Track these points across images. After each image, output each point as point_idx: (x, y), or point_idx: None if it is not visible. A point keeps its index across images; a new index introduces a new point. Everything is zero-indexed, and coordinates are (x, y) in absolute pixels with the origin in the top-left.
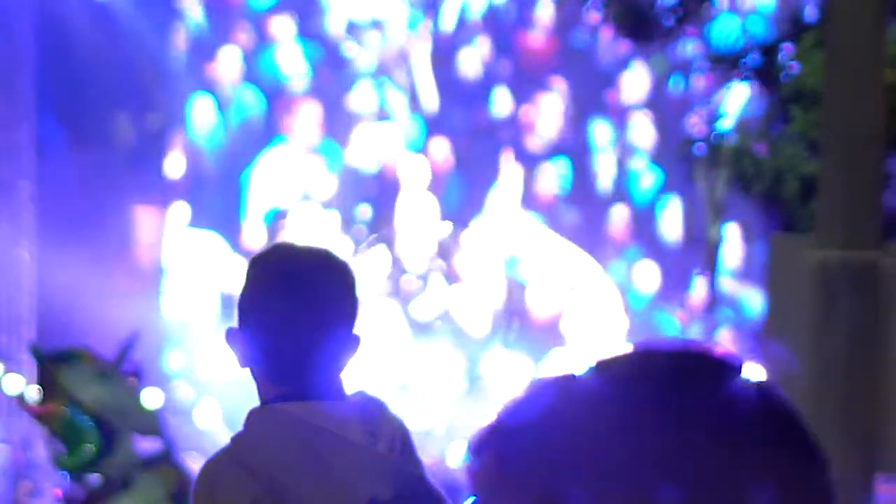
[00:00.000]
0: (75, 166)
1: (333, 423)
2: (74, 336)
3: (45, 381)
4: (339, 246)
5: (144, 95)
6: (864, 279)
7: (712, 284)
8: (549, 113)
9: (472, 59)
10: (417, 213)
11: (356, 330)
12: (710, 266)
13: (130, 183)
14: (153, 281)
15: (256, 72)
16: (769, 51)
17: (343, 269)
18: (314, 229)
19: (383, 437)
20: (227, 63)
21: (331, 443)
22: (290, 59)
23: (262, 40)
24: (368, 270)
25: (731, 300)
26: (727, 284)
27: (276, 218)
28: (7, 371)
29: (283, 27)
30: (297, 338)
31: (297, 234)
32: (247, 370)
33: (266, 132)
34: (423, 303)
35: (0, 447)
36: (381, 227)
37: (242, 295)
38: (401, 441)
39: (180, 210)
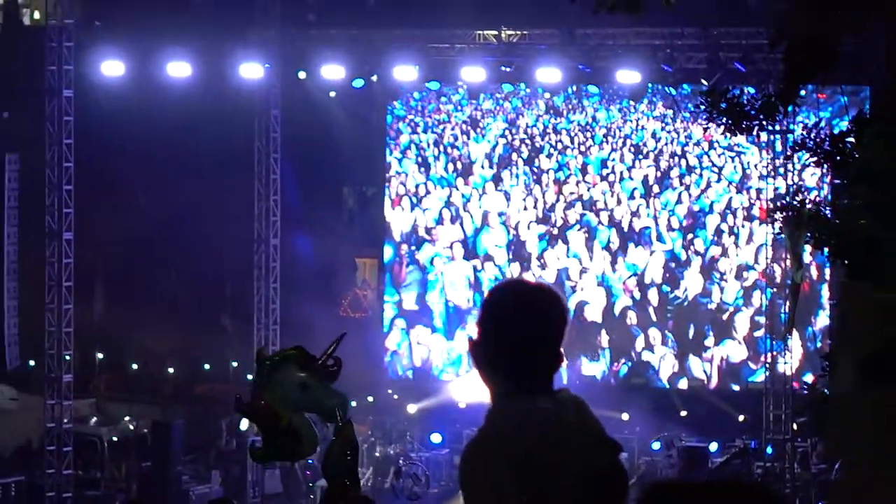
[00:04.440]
0: (310, 226)
1: (559, 411)
2: None
3: (260, 381)
4: None
5: (363, 169)
6: None
7: (793, 315)
8: None
9: None
10: None
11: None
12: (794, 301)
13: (352, 237)
14: (370, 313)
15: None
16: (839, 139)
17: (562, 300)
18: None
19: (589, 423)
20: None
21: (560, 427)
22: None
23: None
24: None
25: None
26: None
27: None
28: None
29: None
30: (530, 349)
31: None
32: (477, 372)
33: None
34: None
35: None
36: None
37: (484, 315)
38: (600, 427)
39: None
